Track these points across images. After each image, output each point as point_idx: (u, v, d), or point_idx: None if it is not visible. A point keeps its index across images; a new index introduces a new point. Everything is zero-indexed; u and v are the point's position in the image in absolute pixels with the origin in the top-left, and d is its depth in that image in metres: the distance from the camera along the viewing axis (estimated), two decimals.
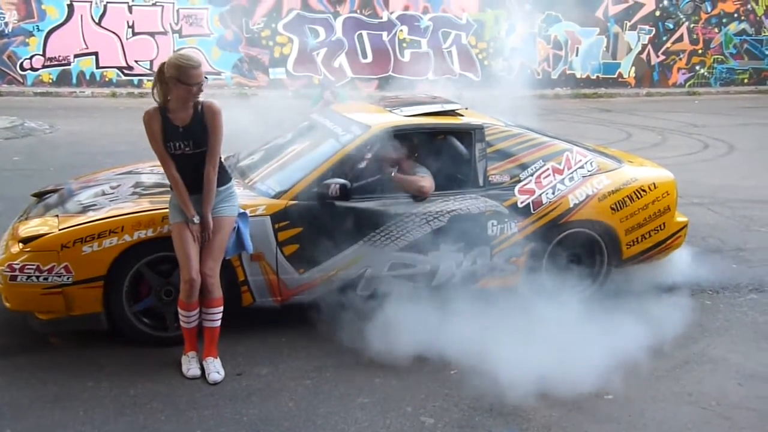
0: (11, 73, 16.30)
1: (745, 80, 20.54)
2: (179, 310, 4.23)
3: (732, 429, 3.87)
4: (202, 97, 4.16)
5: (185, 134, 4.12)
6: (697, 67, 20.17)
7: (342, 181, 4.61)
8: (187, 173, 4.16)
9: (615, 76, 19.58)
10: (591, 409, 3.96)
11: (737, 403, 4.11)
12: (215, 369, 4.20)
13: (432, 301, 4.62)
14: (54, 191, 5.39)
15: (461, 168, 5.14)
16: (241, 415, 3.84)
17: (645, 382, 4.27)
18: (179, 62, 4.05)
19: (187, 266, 4.12)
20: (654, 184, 5.50)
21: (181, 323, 4.25)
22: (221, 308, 4.25)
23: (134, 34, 16.59)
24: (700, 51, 20.08)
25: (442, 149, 5.20)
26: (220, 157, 4.24)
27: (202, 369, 4.23)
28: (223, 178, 4.27)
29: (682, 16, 19.76)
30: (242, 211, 4.37)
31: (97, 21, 16.36)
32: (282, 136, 5.62)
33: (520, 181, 5.15)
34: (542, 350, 4.21)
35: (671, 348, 4.65)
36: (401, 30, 17.89)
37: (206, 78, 4.16)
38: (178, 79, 4.04)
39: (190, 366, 4.24)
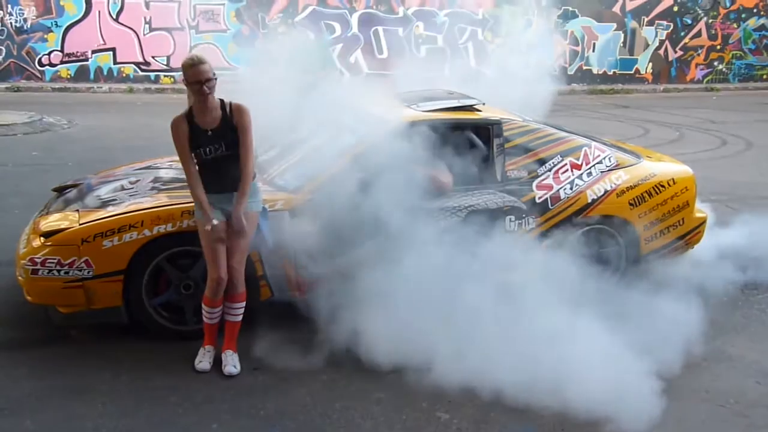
0: (30, 68, 16.42)
1: (764, 76, 20.32)
2: (203, 306, 4.25)
3: (749, 427, 3.86)
4: (224, 96, 4.13)
5: (214, 137, 4.11)
6: (716, 63, 20.00)
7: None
8: (220, 175, 4.15)
9: (632, 72, 19.44)
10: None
11: (755, 401, 4.09)
12: (232, 362, 4.22)
13: (448, 297, 4.61)
14: (74, 186, 5.44)
15: (479, 163, 5.13)
16: (257, 409, 3.87)
17: (662, 380, 4.24)
18: (183, 62, 4.07)
19: (216, 265, 4.14)
20: (673, 179, 5.47)
21: (204, 318, 4.28)
22: (244, 303, 4.28)
23: (151, 29, 16.65)
24: (718, 47, 19.90)
25: (460, 144, 5.19)
26: None
27: (214, 364, 4.26)
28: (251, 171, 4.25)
29: (700, 12, 19.58)
30: (262, 206, 4.38)
31: (114, 17, 16.44)
32: (300, 132, 5.63)
33: (538, 176, 5.14)
34: (556, 348, 4.20)
35: (688, 345, 4.63)
36: (417, 26, 17.86)
37: (214, 76, 4.07)
38: (186, 79, 4.06)
39: (202, 359, 4.27)
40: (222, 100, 4.17)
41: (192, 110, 4.13)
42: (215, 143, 4.11)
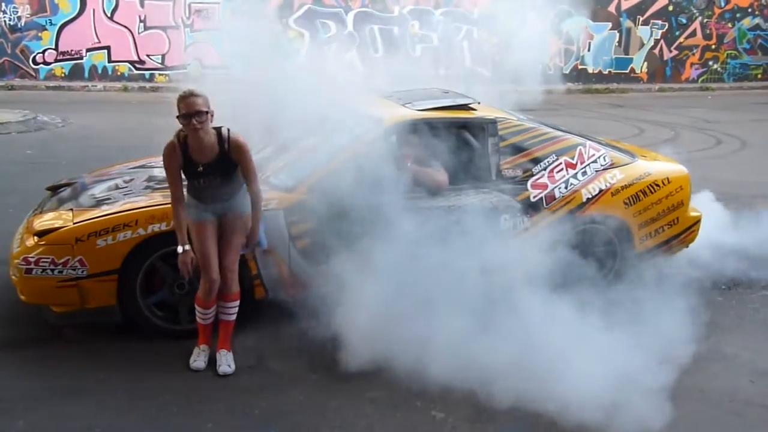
0: (24, 67, 16.38)
1: (759, 76, 20.39)
2: (197, 306, 4.25)
3: (744, 426, 3.86)
4: (223, 129, 4.07)
5: (211, 171, 4.06)
6: (710, 63, 20.05)
7: None
8: (213, 194, 4.14)
9: (627, 71, 19.48)
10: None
11: (749, 400, 4.10)
12: (226, 362, 4.22)
13: (444, 296, 4.61)
14: (68, 185, 5.42)
15: (474, 162, 5.12)
16: (252, 408, 3.86)
17: (656, 380, 4.25)
18: (178, 95, 3.98)
19: (208, 267, 4.13)
20: (668, 178, 5.49)
21: (198, 319, 4.27)
22: (238, 302, 4.28)
23: (146, 28, 16.63)
24: (713, 46, 19.95)
25: (455, 143, 5.19)
26: None
27: (208, 363, 4.25)
28: (241, 184, 4.24)
29: (695, 11, 19.63)
30: None
31: (109, 15, 16.41)
32: (295, 131, 5.61)
33: (533, 175, 5.14)
34: (548, 348, 4.20)
35: (682, 345, 4.63)
36: (413, 25, 17.86)
37: (208, 110, 3.96)
38: (178, 112, 3.95)
39: (197, 358, 4.26)
40: (219, 131, 4.07)
41: (187, 140, 4.04)
42: (211, 175, 4.08)
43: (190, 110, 3.91)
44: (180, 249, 4.08)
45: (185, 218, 4.11)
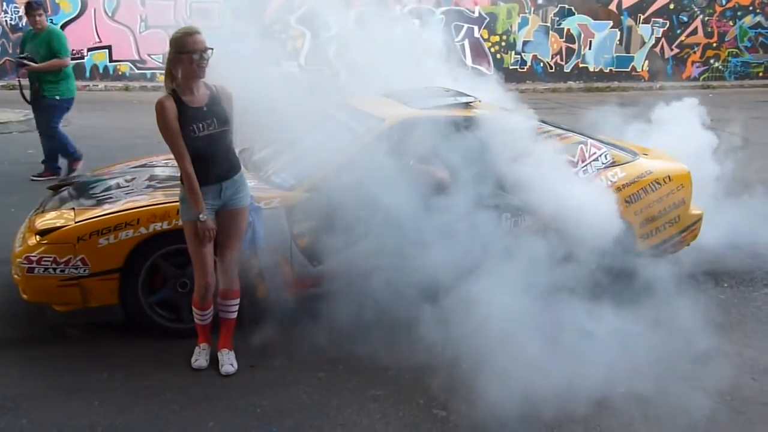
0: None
1: (760, 73, 20.34)
2: (193, 308, 4.24)
3: (746, 424, 3.87)
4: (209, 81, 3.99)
5: (206, 114, 3.93)
6: (712, 61, 20.01)
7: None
8: (217, 156, 3.98)
9: (628, 69, 19.45)
10: (603, 403, 3.95)
11: (751, 398, 4.10)
12: (229, 361, 4.22)
13: (441, 294, 4.61)
14: (69, 184, 5.43)
15: (476, 160, 5.11)
16: (254, 407, 3.87)
17: (658, 377, 4.26)
18: (175, 34, 3.88)
19: (203, 270, 4.07)
20: (669, 176, 5.48)
21: (195, 320, 4.27)
22: (238, 300, 4.27)
23: (147, 27, 16.63)
24: (714, 44, 19.91)
25: (457, 141, 5.18)
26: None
27: (211, 362, 4.25)
28: (238, 164, 4.18)
29: (696, 9, 19.59)
30: (257, 205, 4.36)
31: (110, 15, 16.42)
32: (296, 130, 5.62)
33: None
34: (550, 346, 4.21)
35: (684, 342, 4.64)
36: (414, 23, 17.84)
37: (211, 48, 3.89)
38: (178, 51, 3.85)
39: (198, 357, 4.26)
40: (202, 81, 4.00)
41: (176, 91, 3.92)
42: (207, 119, 3.93)
43: (201, 47, 3.85)
44: (201, 217, 3.93)
45: (196, 183, 3.93)
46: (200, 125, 3.92)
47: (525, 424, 3.76)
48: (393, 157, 4.95)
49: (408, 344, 4.30)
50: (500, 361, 4.05)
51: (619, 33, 19.27)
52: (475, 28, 18.19)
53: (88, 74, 16.61)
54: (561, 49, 18.93)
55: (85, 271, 4.33)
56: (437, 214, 4.72)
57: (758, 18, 20.00)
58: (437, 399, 3.96)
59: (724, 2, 19.72)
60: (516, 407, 3.81)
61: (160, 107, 3.87)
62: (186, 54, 3.85)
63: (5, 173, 8.48)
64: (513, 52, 18.40)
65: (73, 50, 16.28)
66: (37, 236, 4.41)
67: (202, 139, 3.93)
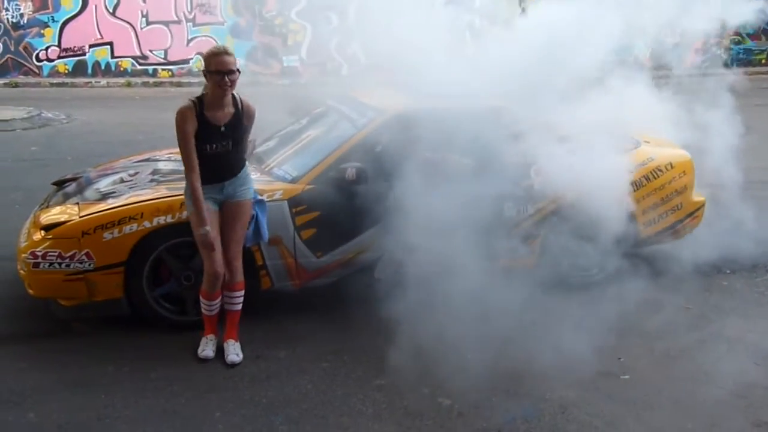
0: (27, 64, 16.42)
1: (763, 60, 20.29)
2: (201, 299, 4.26)
3: (748, 409, 3.88)
4: (238, 94, 4.08)
5: (225, 134, 4.04)
6: (714, 48, 19.94)
7: (358, 164, 4.62)
8: (215, 168, 4.08)
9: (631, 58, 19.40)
10: (606, 389, 3.98)
11: (754, 382, 4.11)
12: (234, 351, 4.25)
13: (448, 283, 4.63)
14: (73, 180, 5.45)
15: (478, 150, 5.12)
16: (260, 398, 3.89)
17: (661, 362, 4.28)
18: (207, 51, 4.01)
19: (212, 259, 4.10)
20: (671, 163, 5.49)
21: (203, 311, 4.29)
22: (243, 292, 4.29)
23: (148, 23, 16.64)
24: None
25: (458, 132, 5.19)
26: None
27: (217, 353, 4.27)
28: (243, 162, 4.25)
29: None
30: (260, 198, 4.38)
31: (111, 11, 16.43)
32: (298, 122, 5.64)
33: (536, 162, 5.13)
34: (556, 331, 4.23)
35: (687, 328, 4.66)
36: None
37: (238, 70, 3.99)
38: (207, 69, 3.97)
39: (205, 348, 4.29)
40: (233, 95, 4.09)
41: (203, 102, 4.02)
42: (224, 140, 4.05)
43: (224, 68, 3.93)
44: (202, 231, 4.00)
45: (201, 195, 4.01)
46: (215, 145, 4.04)
47: (532, 408, 3.78)
48: (395, 149, 4.95)
49: (413, 333, 4.31)
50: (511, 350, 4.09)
51: None
52: (476, 18, 18.14)
53: (90, 71, 16.64)
54: None
55: (90, 265, 4.36)
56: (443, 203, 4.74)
57: (761, 4, 19.91)
58: (442, 387, 3.98)
59: None
60: (525, 390, 3.85)
61: (180, 118, 3.98)
62: (210, 74, 3.96)
63: (9, 170, 8.50)
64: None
65: (74, 47, 16.48)
66: (42, 231, 4.44)
67: (213, 154, 4.06)
